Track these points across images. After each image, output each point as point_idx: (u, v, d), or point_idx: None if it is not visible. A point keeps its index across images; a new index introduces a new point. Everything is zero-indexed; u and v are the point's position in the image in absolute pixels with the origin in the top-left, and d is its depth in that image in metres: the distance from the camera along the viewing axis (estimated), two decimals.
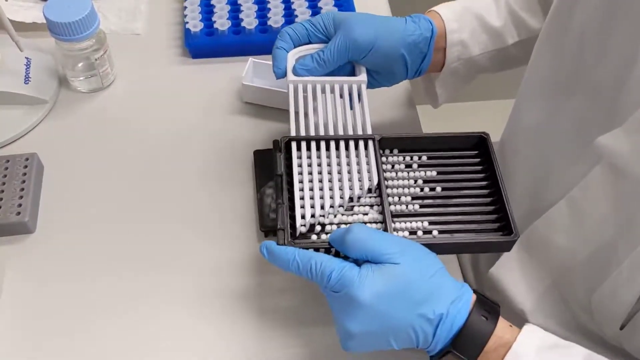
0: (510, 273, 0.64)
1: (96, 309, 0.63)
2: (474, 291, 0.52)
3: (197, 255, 0.67)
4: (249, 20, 0.83)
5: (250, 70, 0.79)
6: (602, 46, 0.53)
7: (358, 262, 0.52)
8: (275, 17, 0.84)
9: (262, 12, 0.85)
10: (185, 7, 0.85)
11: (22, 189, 0.68)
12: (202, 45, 0.83)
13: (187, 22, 0.83)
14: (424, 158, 0.64)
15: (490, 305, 0.51)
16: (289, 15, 0.85)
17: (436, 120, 1.03)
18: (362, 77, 0.66)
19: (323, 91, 0.65)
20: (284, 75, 0.64)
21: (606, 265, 0.53)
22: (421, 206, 0.60)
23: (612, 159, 0.51)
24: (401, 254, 0.51)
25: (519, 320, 0.64)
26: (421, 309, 0.49)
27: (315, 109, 0.64)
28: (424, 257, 0.52)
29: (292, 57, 0.65)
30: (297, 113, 0.63)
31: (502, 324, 0.51)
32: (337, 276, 0.50)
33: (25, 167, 0.69)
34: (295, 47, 0.65)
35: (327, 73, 0.65)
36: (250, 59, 0.79)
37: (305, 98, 0.64)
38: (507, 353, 0.49)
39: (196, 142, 0.76)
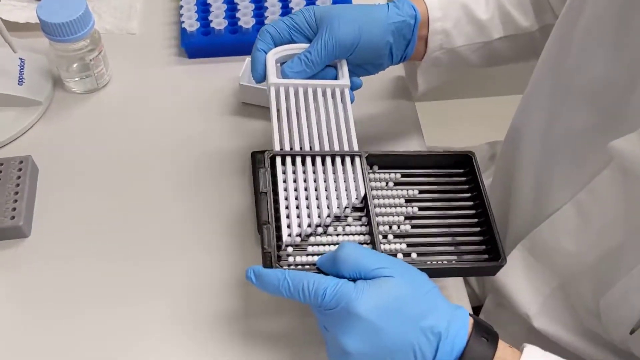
0: (515, 277, 0.63)
1: (92, 314, 0.62)
2: (470, 315, 0.50)
3: (196, 256, 0.66)
4: (246, 19, 0.82)
5: (247, 70, 0.78)
6: (614, 46, 0.52)
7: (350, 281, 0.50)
8: (273, 16, 0.83)
9: (259, 11, 0.84)
10: (181, 6, 0.84)
11: (16, 193, 0.67)
12: (199, 45, 0.82)
13: (183, 22, 0.82)
14: (411, 177, 0.62)
15: (488, 328, 0.50)
16: (286, 14, 0.84)
17: (438, 118, 1.02)
18: (345, 80, 0.65)
19: (305, 95, 0.63)
20: (263, 79, 0.63)
21: (615, 270, 0.52)
22: (411, 227, 0.59)
23: (625, 162, 0.50)
24: (393, 269, 0.49)
25: (524, 324, 0.64)
26: (420, 325, 0.47)
27: (298, 115, 0.62)
28: (416, 275, 0.51)
29: (272, 57, 0.63)
30: (279, 120, 0.61)
31: (502, 346, 0.49)
32: (333, 292, 0.48)
33: (20, 170, 0.68)
34: (275, 46, 0.64)
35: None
36: (248, 58, 0.78)
37: (287, 101, 0.62)
38: None
39: (193, 143, 0.75)
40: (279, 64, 0.64)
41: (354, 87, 0.66)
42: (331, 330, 0.49)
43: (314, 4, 0.86)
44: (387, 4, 0.66)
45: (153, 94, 0.80)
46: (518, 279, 0.63)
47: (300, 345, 0.61)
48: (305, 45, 0.64)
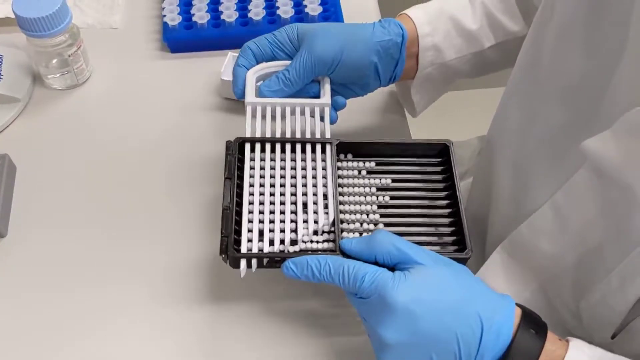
0: (495, 278, 0.62)
1: (70, 316, 0.61)
2: (518, 305, 0.49)
3: (175, 249, 0.65)
4: (229, 13, 0.81)
5: (229, 65, 0.76)
6: (585, 44, 0.51)
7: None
8: (256, 10, 0.81)
9: (243, 5, 0.83)
10: (163, 0, 0.82)
11: None
12: (181, 39, 0.81)
13: (165, 15, 0.80)
14: (383, 166, 0.61)
15: (537, 319, 0.49)
16: (271, 7, 0.82)
17: (427, 110, 1.00)
18: (326, 99, 0.63)
19: (283, 115, 0.63)
20: (243, 96, 0.62)
21: (594, 272, 0.51)
22: (381, 216, 0.58)
23: (599, 163, 0.48)
24: (430, 259, 0.50)
25: None
26: (462, 313, 0.47)
27: (273, 133, 0.62)
28: (455, 265, 0.51)
29: (252, 75, 0.63)
30: (254, 117, 0.62)
31: (552, 337, 0.48)
32: (371, 279, 0.48)
33: None
34: (258, 62, 0.63)
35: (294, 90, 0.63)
36: (230, 53, 0.77)
37: (263, 121, 0.62)
38: None
39: (174, 138, 0.74)
40: (259, 82, 0.63)
41: (337, 107, 0.65)
42: (369, 321, 0.49)
43: None
44: (373, 23, 0.65)
45: (134, 89, 0.78)
46: (497, 280, 0.61)
47: (271, 325, 0.60)
48: (287, 63, 0.63)
